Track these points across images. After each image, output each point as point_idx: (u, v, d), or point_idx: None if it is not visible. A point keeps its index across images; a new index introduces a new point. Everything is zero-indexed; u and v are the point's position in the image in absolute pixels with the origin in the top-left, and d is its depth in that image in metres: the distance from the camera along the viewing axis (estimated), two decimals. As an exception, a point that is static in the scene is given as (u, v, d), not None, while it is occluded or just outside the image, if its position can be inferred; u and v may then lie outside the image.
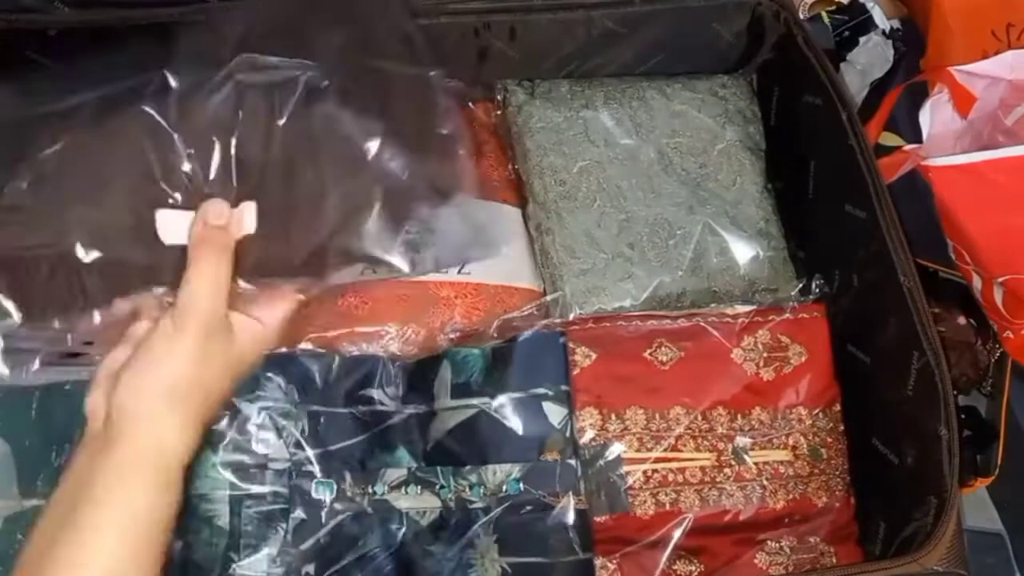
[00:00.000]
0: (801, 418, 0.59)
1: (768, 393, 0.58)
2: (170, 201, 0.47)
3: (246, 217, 0.46)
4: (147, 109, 0.47)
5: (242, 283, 0.47)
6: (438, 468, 0.55)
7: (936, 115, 0.67)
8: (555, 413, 0.55)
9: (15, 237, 0.46)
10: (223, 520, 0.52)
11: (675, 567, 0.55)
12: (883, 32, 0.74)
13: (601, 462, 0.55)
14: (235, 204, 0.47)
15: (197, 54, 0.49)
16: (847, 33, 0.74)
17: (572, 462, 0.55)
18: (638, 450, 0.56)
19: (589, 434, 0.56)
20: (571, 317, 0.59)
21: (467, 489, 0.54)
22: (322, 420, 0.55)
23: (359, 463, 0.55)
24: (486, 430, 0.55)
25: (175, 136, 0.46)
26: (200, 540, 0.52)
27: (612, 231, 0.62)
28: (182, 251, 0.46)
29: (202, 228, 0.46)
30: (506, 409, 0.55)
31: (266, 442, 0.54)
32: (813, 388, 0.59)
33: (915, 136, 0.65)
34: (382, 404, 0.56)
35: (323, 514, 0.53)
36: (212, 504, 0.53)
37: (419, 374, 0.57)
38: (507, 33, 0.62)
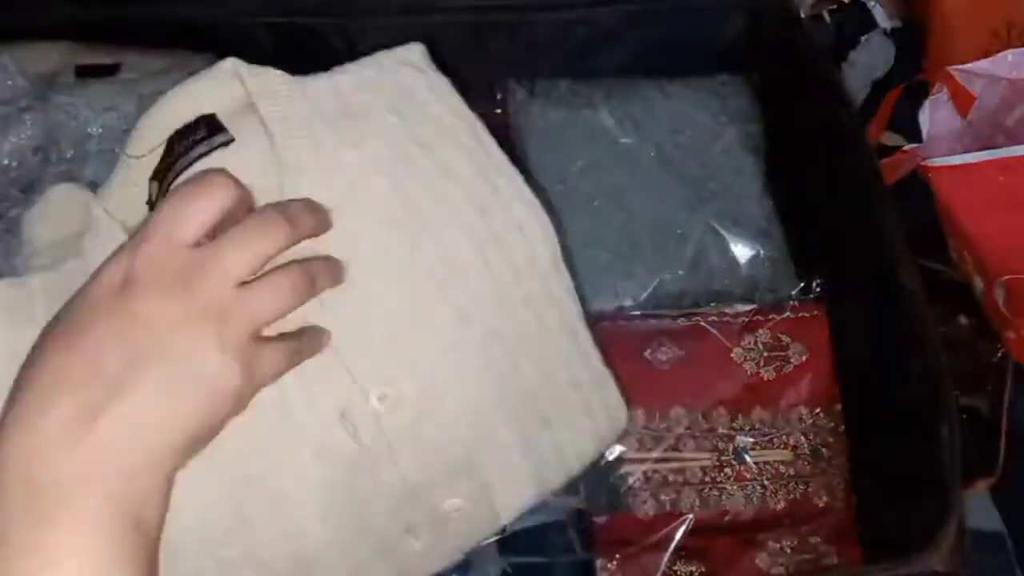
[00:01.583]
0: (802, 417, 0.58)
1: (769, 393, 0.58)
2: None
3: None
4: None
5: None
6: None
7: (936, 115, 0.67)
8: (555, 413, 0.55)
9: None
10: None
11: (676, 568, 0.54)
12: (884, 31, 0.73)
13: (601, 462, 0.55)
14: None
15: None
16: (848, 32, 0.74)
17: (572, 462, 0.55)
18: (638, 450, 0.56)
19: (589, 434, 0.55)
20: (571, 317, 0.59)
21: (466, 489, 0.54)
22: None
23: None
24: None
25: None
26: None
27: (612, 230, 0.62)
28: None
29: None
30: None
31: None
32: (814, 387, 0.59)
33: (917, 136, 0.65)
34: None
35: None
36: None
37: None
38: (507, 31, 0.62)
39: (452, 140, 0.44)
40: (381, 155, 0.42)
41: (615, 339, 0.57)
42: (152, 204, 0.44)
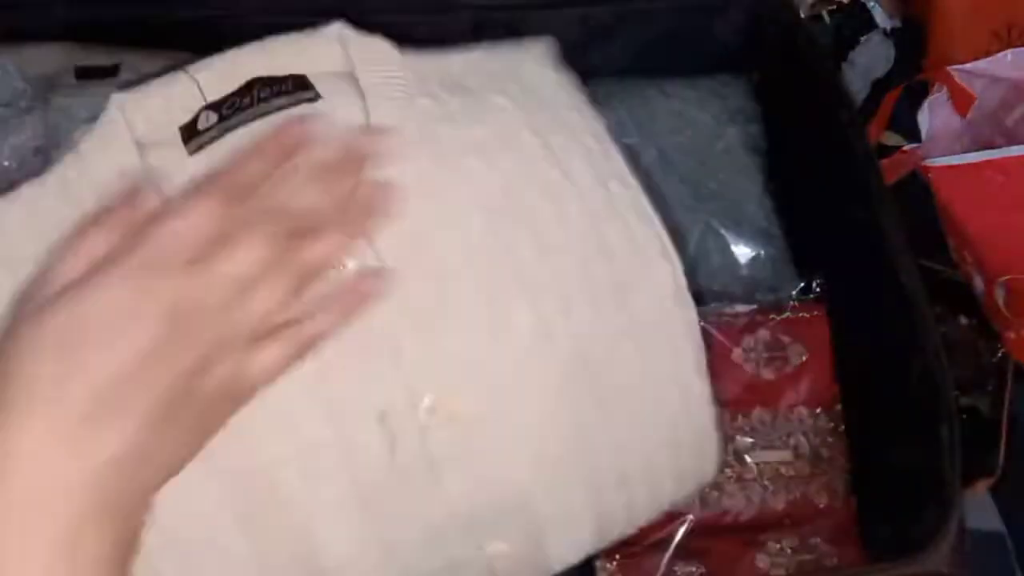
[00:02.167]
0: (802, 418, 0.58)
1: (769, 393, 0.58)
2: None
3: None
4: None
5: None
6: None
7: (935, 115, 0.67)
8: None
9: None
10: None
11: (675, 568, 0.54)
12: (884, 31, 0.73)
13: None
14: None
15: None
16: (847, 32, 0.74)
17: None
18: (638, 450, 0.56)
19: (589, 434, 0.55)
20: (571, 317, 0.59)
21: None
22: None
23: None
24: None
25: None
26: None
27: (612, 230, 0.62)
28: None
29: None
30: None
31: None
32: (814, 388, 0.59)
33: (916, 136, 0.65)
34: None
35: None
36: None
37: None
38: (505, 30, 0.62)
39: (569, 135, 0.40)
40: (486, 136, 0.38)
41: (615, 339, 0.58)
42: (194, 132, 0.38)
